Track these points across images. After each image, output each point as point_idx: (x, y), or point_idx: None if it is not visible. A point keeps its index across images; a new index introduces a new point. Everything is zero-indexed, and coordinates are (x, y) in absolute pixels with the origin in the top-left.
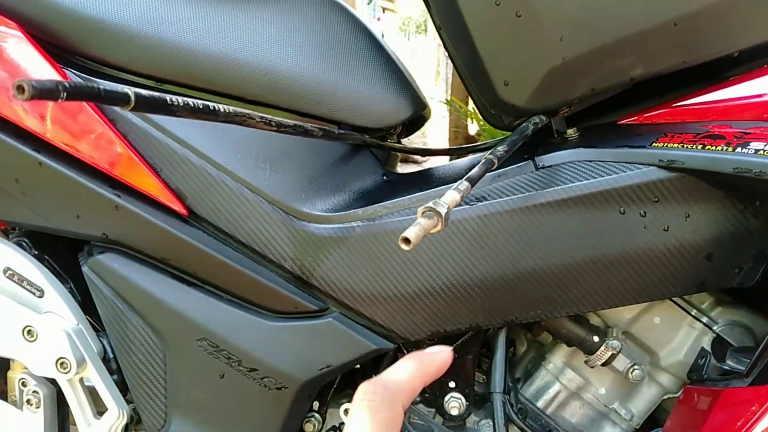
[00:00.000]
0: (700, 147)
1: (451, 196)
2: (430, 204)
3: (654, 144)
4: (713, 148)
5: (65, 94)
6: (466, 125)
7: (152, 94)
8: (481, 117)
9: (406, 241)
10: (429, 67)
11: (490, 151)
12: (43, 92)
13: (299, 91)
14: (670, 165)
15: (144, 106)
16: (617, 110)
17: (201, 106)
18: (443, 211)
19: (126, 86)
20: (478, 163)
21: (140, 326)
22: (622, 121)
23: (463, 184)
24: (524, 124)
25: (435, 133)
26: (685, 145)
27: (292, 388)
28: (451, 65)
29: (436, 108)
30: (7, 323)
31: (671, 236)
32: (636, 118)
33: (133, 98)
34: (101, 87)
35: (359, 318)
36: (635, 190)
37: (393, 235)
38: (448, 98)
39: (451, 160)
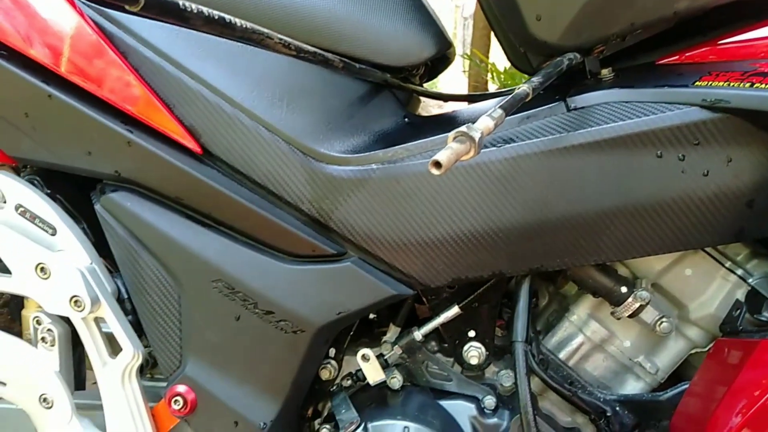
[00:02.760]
0: (748, 85)
1: (484, 122)
2: (463, 128)
3: (696, 83)
4: (763, 86)
5: None
6: (486, 81)
7: None
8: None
9: (437, 164)
10: (446, 29)
11: (524, 82)
12: None
13: (320, 26)
14: (714, 105)
15: (154, 8)
16: (655, 50)
17: (216, 17)
18: (476, 136)
19: None
20: None
21: (154, 266)
22: (661, 62)
23: (497, 111)
24: (559, 59)
25: (453, 89)
26: (732, 84)
27: (308, 332)
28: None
29: (454, 64)
30: (20, 260)
31: (711, 181)
32: (676, 57)
33: None
34: None
35: (378, 263)
36: (674, 131)
37: (414, 177)
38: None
39: None
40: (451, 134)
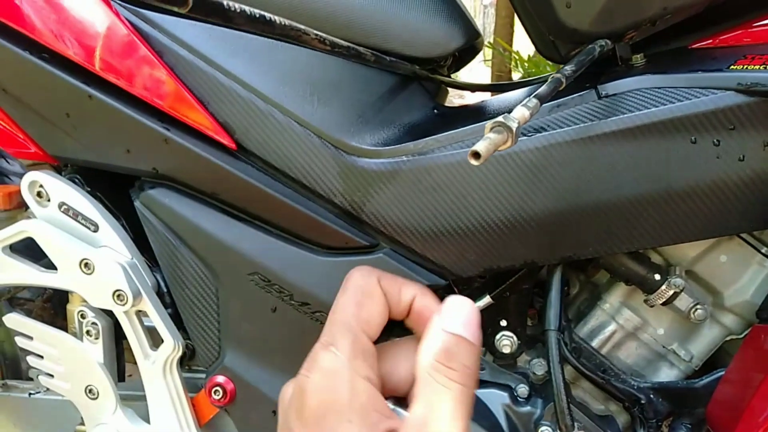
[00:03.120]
0: None
1: (520, 111)
2: (500, 118)
3: (731, 67)
4: None
5: None
6: (509, 70)
7: None
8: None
9: (476, 155)
10: None
11: (557, 71)
12: None
13: (350, 21)
14: (750, 89)
15: (201, 9)
16: (688, 35)
17: (258, 16)
18: (514, 126)
19: None
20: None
21: (192, 260)
22: (693, 46)
23: (532, 101)
24: (590, 46)
25: (476, 79)
26: None
27: None
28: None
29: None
30: (65, 256)
31: (747, 166)
32: (710, 41)
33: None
34: None
35: (410, 254)
36: (709, 117)
37: (445, 168)
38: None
39: None
40: (489, 124)
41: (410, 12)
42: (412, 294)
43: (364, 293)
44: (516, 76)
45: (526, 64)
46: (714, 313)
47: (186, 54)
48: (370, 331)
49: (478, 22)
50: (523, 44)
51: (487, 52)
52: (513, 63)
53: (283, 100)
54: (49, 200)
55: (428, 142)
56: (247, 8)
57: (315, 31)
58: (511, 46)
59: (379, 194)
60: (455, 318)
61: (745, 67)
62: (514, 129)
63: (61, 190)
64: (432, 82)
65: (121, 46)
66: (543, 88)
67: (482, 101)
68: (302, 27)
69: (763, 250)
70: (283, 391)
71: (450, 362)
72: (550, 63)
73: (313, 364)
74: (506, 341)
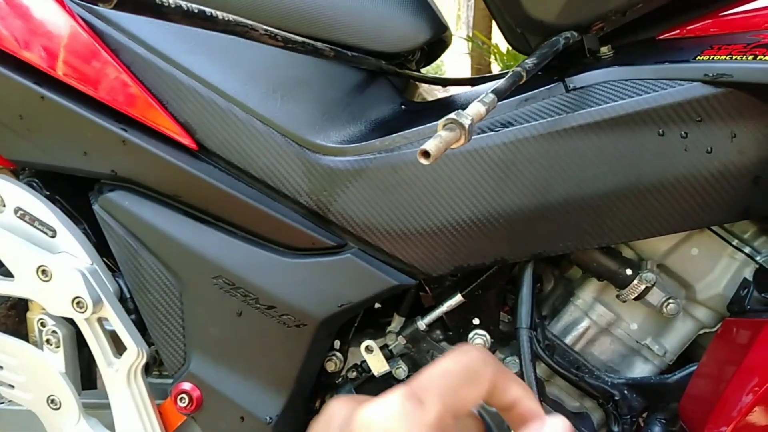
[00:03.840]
0: (751, 57)
1: (475, 108)
2: (452, 115)
3: (698, 57)
4: (767, 58)
5: None
6: (489, 63)
7: None
8: (502, 51)
9: (425, 154)
10: (450, 10)
11: (517, 65)
12: None
13: (310, 15)
14: (716, 79)
15: (128, 4)
16: (656, 25)
17: (196, 11)
18: (466, 123)
19: None
20: None
21: (154, 265)
22: (661, 37)
23: (489, 96)
24: (554, 38)
25: (456, 71)
26: (734, 57)
27: (311, 326)
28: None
29: (457, 45)
30: (21, 263)
31: (715, 158)
32: (677, 32)
33: None
34: None
35: (378, 254)
36: (676, 108)
37: (413, 166)
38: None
39: None
40: (441, 122)
41: (374, 5)
42: (516, 394)
43: (474, 376)
44: (495, 68)
45: (504, 57)
46: (686, 307)
47: (143, 52)
48: (458, 412)
49: (463, 15)
50: (502, 38)
51: (468, 46)
52: (492, 56)
53: (245, 98)
54: (4, 205)
55: (395, 139)
56: (183, 3)
57: (264, 26)
58: (490, 39)
59: (346, 193)
60: None
61: (712, 57)
62: (467, 126)
63: (17, 194)
64: (400, 77)
65: (74, 44)
66: (501, 83)
67: (451, 96)
68: (248, 22)
69: (734, 243)
70: (333, 408)
71: None
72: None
73: (389, 405)
74: (479, 340)
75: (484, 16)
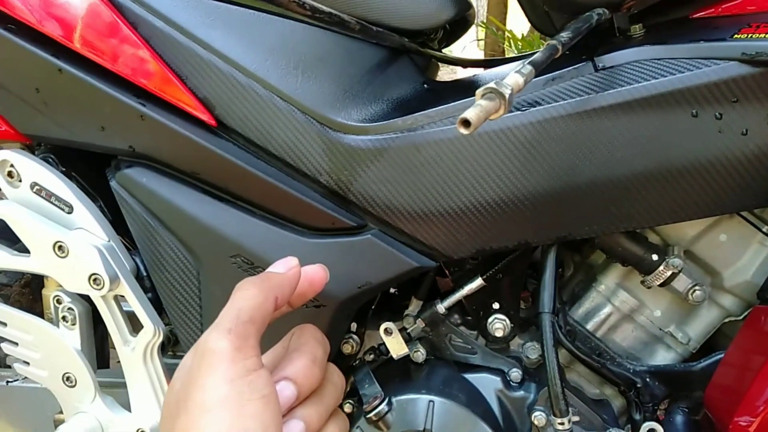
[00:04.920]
0: None
1: (514, 78)
2: (492, 84)
3: (735, 36)
4: None
5: None
6: (503, 50)
7: None
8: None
9: (466, 123)
10: None
11: (553, 38)
12: None
13: None
14: (755, 58)
15: None
16: (689, 4)
17: None
18: (506, 92)
19: None
20: None
21: (172, 242)
22: (695, 15)
23: (526, 67)
24: (587, 14)
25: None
26: None
27: (330, 306)
28: None
29: (471, 32)
30: (38, 239)
31: (750, 141)
32: (712, 10)
33: None
34: None
35: (399, 235)
36: (711, 88)
37: (435, 145)
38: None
39: None
40: (480, 91)
41: None
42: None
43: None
44: (510, 54)
45: (519, 44)
46: (712, 294)
47: (162, 25)
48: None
49: (475, 4)
50: (516, 23)
51: (480, 33)
52: (506, 42)
53: (265, 74)
54: (20, 180)
55: (418, 118)
56: None
57: None
58: (504, 25)
59: (367, 173)
60: None
61: (750, 35)
62: (507, 96)
63: (33, 169)
64: (422, 56)
65: (92, 16)
66: (538, 55)
67: (474, 75)
68: None
69: (764, 229)
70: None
71: None
72: (544, 43)
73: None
74: (499, 324)
75: (498, 3)
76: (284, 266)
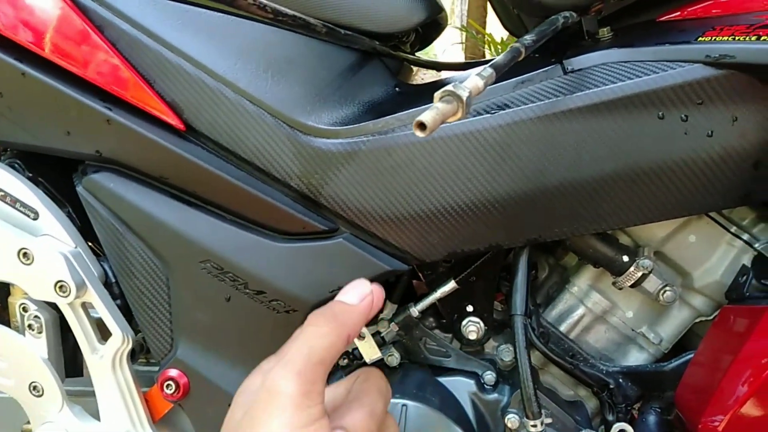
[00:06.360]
0: (754, 38)
1: (473, 81)
2: (449, 87)
3: (700, 39)
4: None
5: None
6: (483, 53)
7: None
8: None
9: (421, 126)
10: (444, 3)
11: (516, 41)
12: None
13: None
14: (718, 61)
15: None
16: (656, 7)
17: None
18: (464, 95)
19: None
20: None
21: (140, 248)
22: (662, 19)
23: (487, 70)
24: (554, 17)
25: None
26: (737, 38)
27: (301, 311)
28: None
29: (449, 36)
30: (1, 245)
31: (715, 142)
32: (678, 13)
33: None
34: None
35: (371, 238)
36: (676, 91)
37: (406, 148)
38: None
39: None
40: (438, 93)
41: None
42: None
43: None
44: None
45: (499, 47)
46: (683, 295)
47: (129, 29)
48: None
49: (456, 10)
50: (496, 27)
51: (461, 36)
52: (486, 46)
53: (234, 77)
54: None
55: (389, 121)
56: None
57: None
58: (484, 29)
59: (338, 176)
60: None
61: (713, 38)
62: (465, 98)
63: None
64: (394, 59)
65: (58, 20)
66: (500, 58)
67: (447, 78)
68: None
69: (732, 230)
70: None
71: None
72: None
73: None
74: (473, 327)
75: (479, 6)
76: (357, 295)
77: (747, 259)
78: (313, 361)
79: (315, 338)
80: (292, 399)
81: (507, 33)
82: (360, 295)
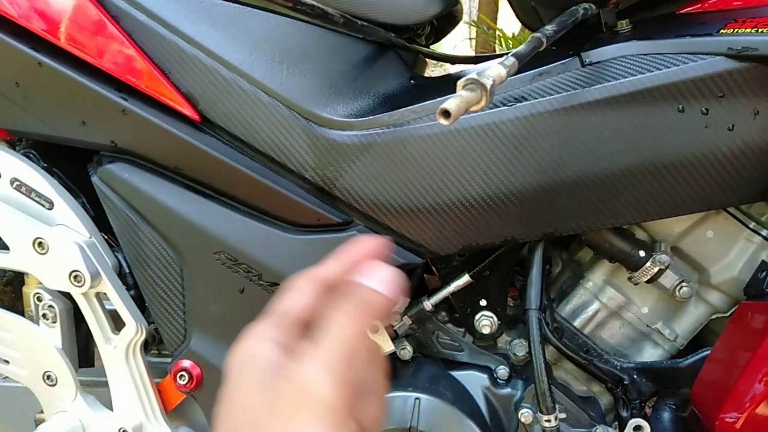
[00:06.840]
0: None
1: (496, 69)
2: (473, 75)
3: (722, 31)
4: None
5: None
6: (494, 48)
7: None
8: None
9: (446, 113)
10: None
11: (537, 31)
12: None
13: None
14: (741, 53)
15: None
16: (676, 0)
17: None
18: (488, 83)
19: None
20: None
21: (154, 239)
22: (682, 11)
23: (510, 59)
24: (573, 8)
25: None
26: (760, 30)
27: None
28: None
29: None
30: (17, 235)
31: (736, 136)
32: (698, 6)
33: None
34: None
35: (385, 231)
36: (697, 84)
37: (421, 141)
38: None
39: None
40: (461, 81)
41: None
42: None
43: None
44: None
45: (510, 43)
46: (699, 291)
47: (145, 19)
48: None
49: (466, 7)
50: (507, 23)
51: (471, 32)
52: (497, 41)
53: (249, 68)
54: (0, 176)
55: (404, 113)
56: None
57: None
58: (495, 24)
59: (353, 168)
60: None
61: (736, 30)
62: (489, 87)
63: (13, 165)
64: (409, 51)
65: (75, 10)
66: (521, 48)
67: (461, 71)
68: None
69: (751, 225)
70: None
71: None
72: None
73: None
74: (486, 321)
75: (489, 2)
76: (388, 284)
77: (766, 255)
78: (350, 362)
79: (351, 336)
80: (332, 409)
81: (518, 28)
82: (390, 284)
